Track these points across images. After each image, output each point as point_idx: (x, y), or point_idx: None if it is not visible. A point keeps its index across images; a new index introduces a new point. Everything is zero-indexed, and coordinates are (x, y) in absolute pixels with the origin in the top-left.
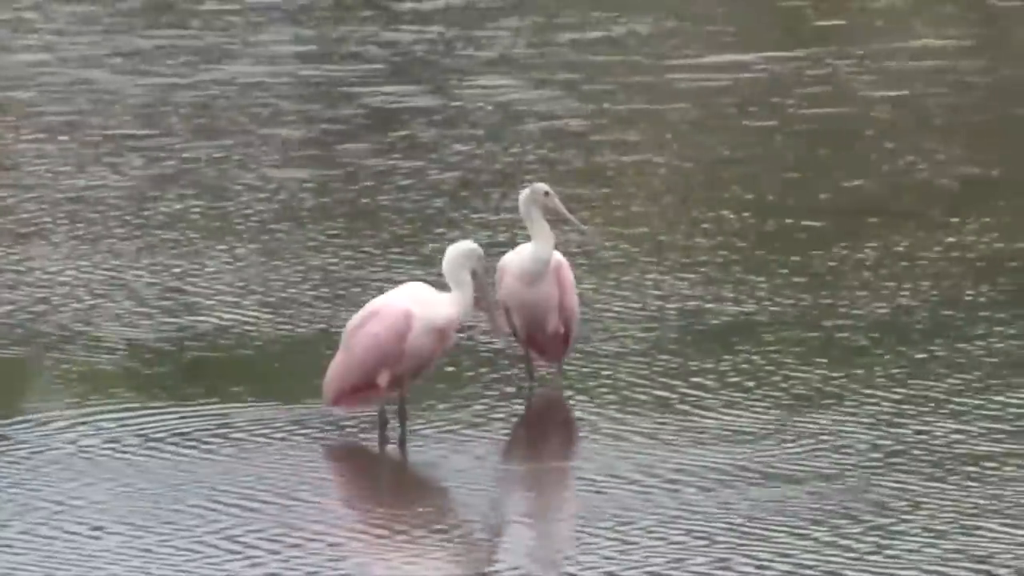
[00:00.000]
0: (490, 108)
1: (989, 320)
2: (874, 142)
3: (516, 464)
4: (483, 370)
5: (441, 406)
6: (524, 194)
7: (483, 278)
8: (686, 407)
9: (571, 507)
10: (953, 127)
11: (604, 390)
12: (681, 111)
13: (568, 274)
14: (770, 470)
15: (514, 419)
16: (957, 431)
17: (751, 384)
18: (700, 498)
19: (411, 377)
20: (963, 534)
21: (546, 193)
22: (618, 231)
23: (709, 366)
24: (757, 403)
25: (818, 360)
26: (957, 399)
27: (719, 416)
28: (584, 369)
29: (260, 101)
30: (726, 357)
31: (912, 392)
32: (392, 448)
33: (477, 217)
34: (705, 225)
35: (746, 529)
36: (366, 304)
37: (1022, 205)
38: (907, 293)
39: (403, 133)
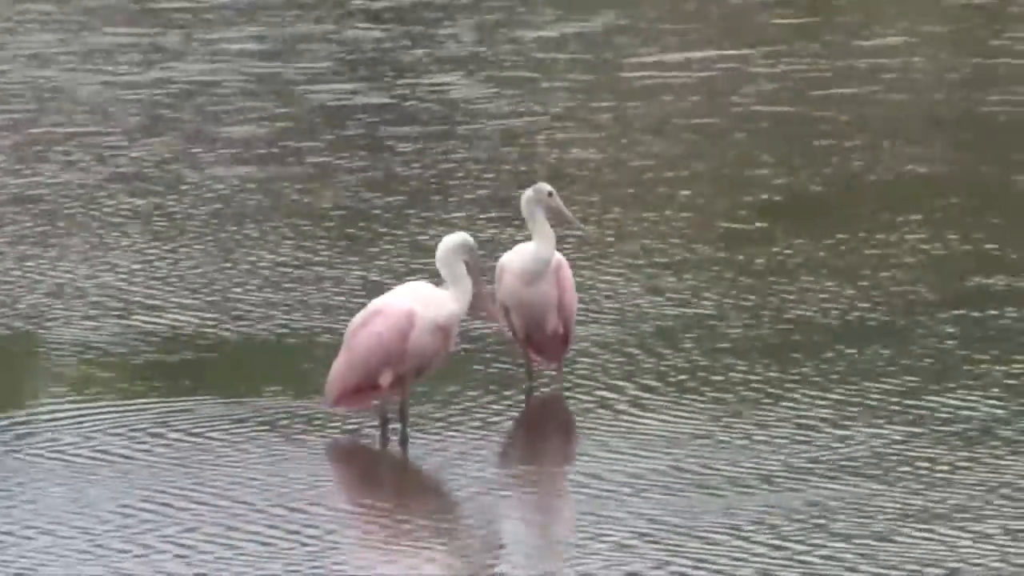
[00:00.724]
0: (441, 106)
1: (933, 320)
2: (826, 140)
3: (514, 466)
4: (483, 369)
5: (441, 405)
6: (527, 194)
7: (476, 268)
8: (629, 408)
9: (568, 509)
10: (905, 125)
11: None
12: (632, 109)
13: (568, 274)
14: (709, 471)
15: (513, 419)
16: (900, 433)
17: (694, 384)
18: (638, 500)
19: (413, 377)
20: (904, 537)
21: (549, 193)
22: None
23: (649, 366)
24: (700, 404)
25: (763, 360)
26: (898, 400)
27: (661, 418)
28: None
29: (212, 99)
30: (669, 356)
31: (850, 394)
32: (393, 447)
33: (428, 215)
34: (656, 224)
35: (685, 530)
36: (368, 304)
37: (970, 205)
38: (853, 293)
39: (355, 132)
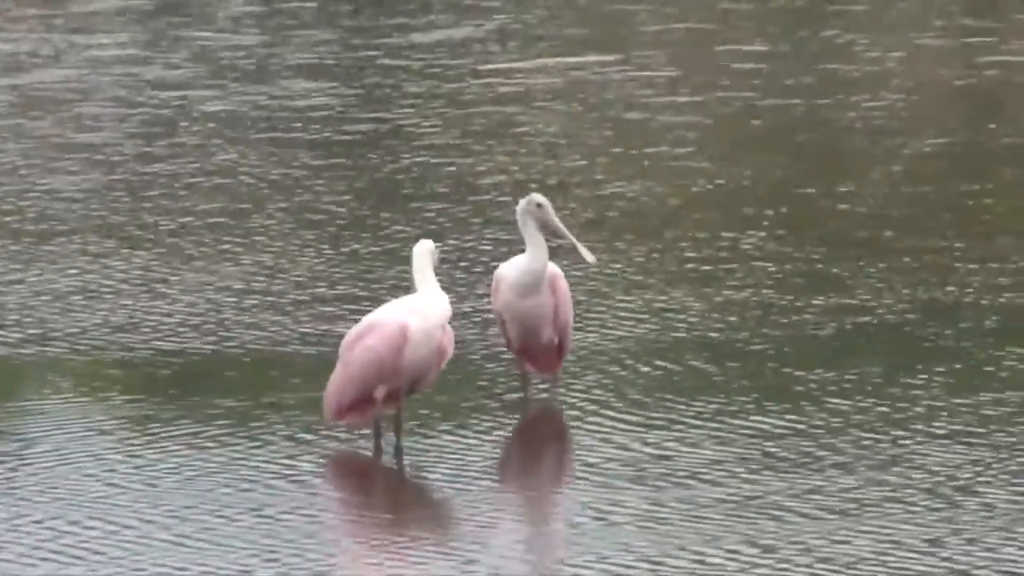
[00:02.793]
0: (285, 113)
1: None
2: (681, 148)
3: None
4: (478, 381)
5: (436, 417)
6: (520, 205)
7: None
8: (625, 418)
9: (563, 521)
10: (755, 133)
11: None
12: (473, 116)
13: (563, 285)
14: (704, 483)
15: (509, 430)
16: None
17: (692, 395)
18: (635, 511)
19: (408, 391)
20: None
21: (538, 205)
22: (396, 245)
23: (645, 377)
24: (697, 415)
25: (762, 372)
26: (920, 412)
27: (657, 429)
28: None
29: (68, 104)
30: (665, 368)
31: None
32: (387, 459)
33: (249, 226)
34: (478, 229)
35: (681, 544)
36: (362, 319)
37: (832, 227)
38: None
39: (182, 139)
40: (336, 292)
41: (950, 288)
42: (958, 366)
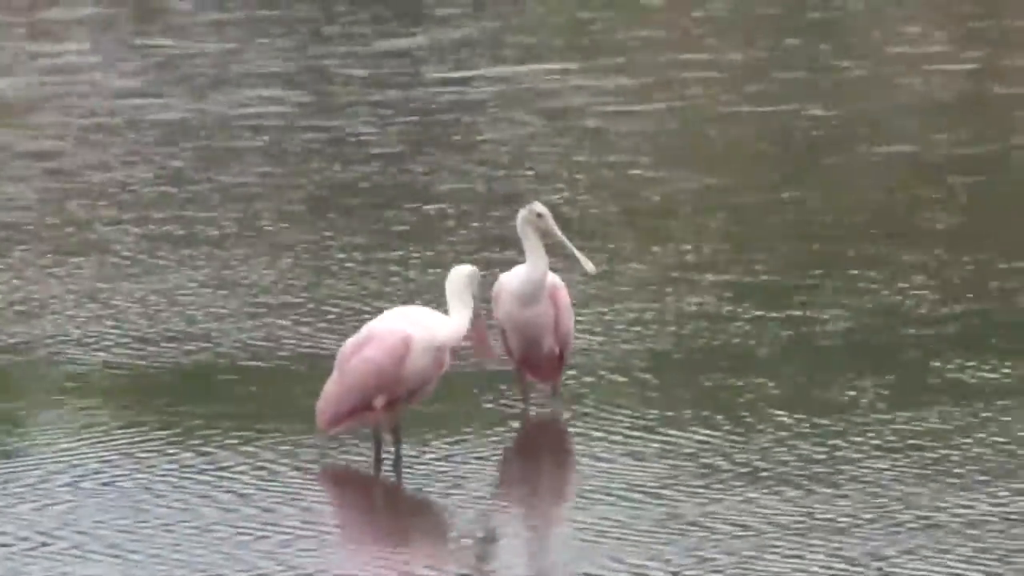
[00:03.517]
0: (240, 121)
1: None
2: (616, 156)
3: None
4: (478, 391)
5: (437, 427)
6: (521, 214)
7: (478, 301)
8: (627, 430)
9: (564, 532)
10: (710, 143)
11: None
12: (429, 126)
13: (564, 295)
14: (710, 493)
15: (509, 441)
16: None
17: (694, 406)
18: (637, 524)
19: (407, 400)
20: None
21: (539, 215)
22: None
23: (647, 387)
24: (700, 426)
25: (767, 383)
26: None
27: (659, 438)
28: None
29: (21, 113)
30: (667, 378)
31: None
32: (387, 470)
33: (200, 235)
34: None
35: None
36: (361, 328)
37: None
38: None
39: (135, 147)
40: (287, 301)
41: (898, 298)
42: (905, 377)
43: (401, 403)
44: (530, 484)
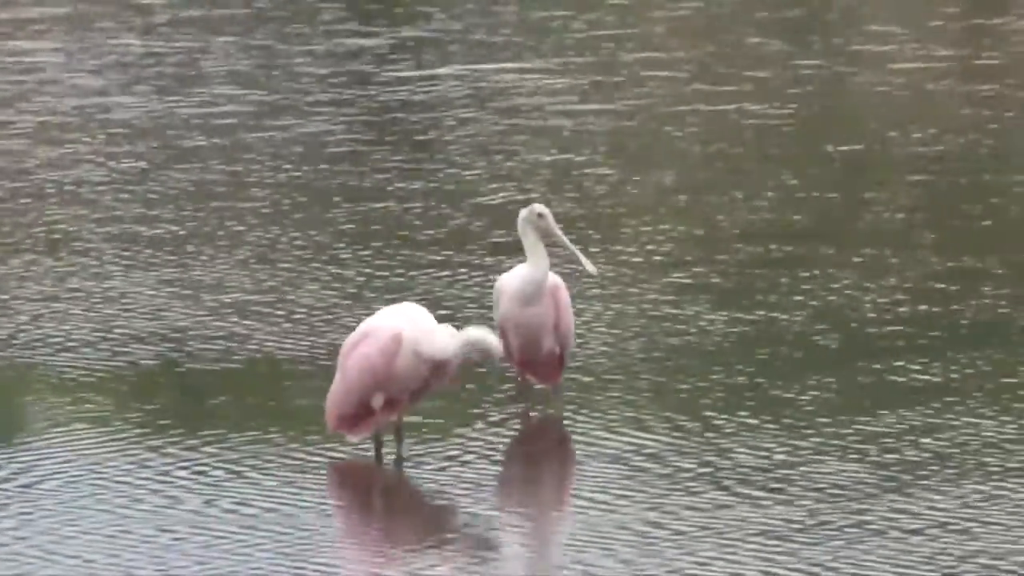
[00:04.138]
0: (199, 120)
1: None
2: (579, 157)
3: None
4: (480, 391)
5: (438, 426)
6: (521, 215)
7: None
8: (628, 429)
9: (565, 533)
10: (665, 141)
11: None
12: (386, 124)
13: (564, 296)
14: (709, 492)
15: (510, 441)
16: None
17: (693, 406)
18: (638, 525)
19: (408, 400)
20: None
21: (540, 215)
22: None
23: (647, 387)
24: (699, 426)
25: (766, 383)
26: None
27: (659, 439)
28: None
29: None
30: (667, 378)
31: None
32: (388, 469)
33: (158, 235)
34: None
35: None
36: (359, 325)
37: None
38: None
39: (94, 146)
40: (250, 299)
41: (842, 301)
42: (850, 380)
43: (401, 403)
44: (529, 485)
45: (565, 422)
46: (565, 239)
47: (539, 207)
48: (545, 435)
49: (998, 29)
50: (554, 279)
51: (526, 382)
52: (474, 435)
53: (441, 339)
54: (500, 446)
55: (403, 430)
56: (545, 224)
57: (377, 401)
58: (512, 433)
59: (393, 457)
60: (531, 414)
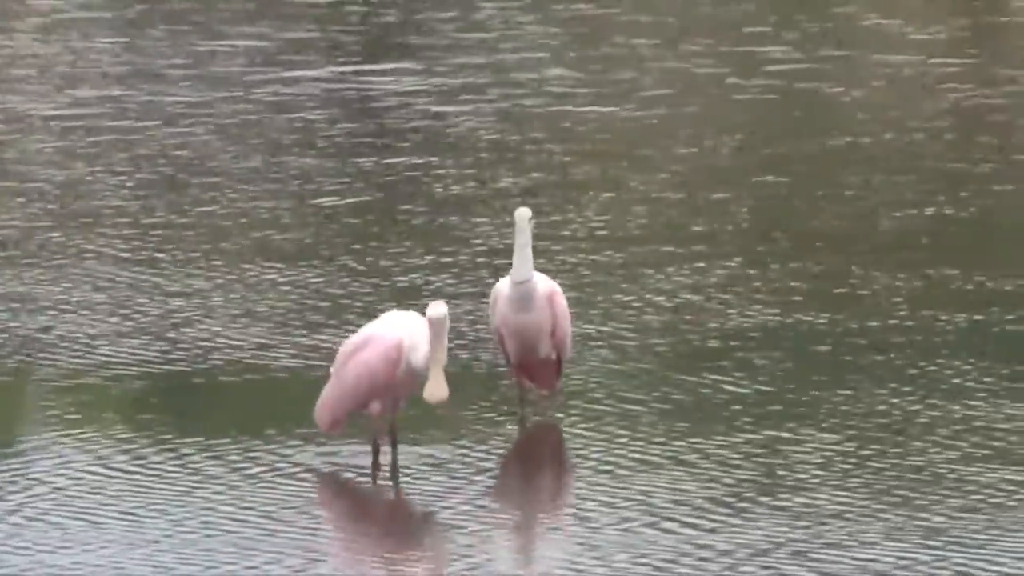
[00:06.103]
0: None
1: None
2: (498, 157)
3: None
4: (476, 396)
5: (434, 432)
6: (521, 213)
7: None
8: (624, 434)
9: (561, 537)
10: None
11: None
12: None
13: (561, 301)
14: (706, 498)
15: (507, 446)
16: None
17: (691, 410)
18: (635, 529)
19: (403, 401)
20: None
21: (530, 219)
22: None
23: (644, 392)
24: (696, 430)
25: (765, 386)
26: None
27: (656, 444)
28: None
29: None
30: (665, 383)
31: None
32: (384, 475)
33: (93, 237)
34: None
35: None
36: (359, 330)
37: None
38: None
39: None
40: (251, 300)
41: (777, 310)
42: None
43: (397, 406)
44: (526, 488)
45: (562, 428)
46: (527, 241)
47: (527, 211)
48: (541, 441)
49: None
50: (551, 284)
51: (523, 388)
52: (471, 443)
53: (425, 350)
54: (495, 453)
55: (397, 435)
56: (525, 227)
57: (375, 407)
58: (507, 440)
59: (388, 463)
60: (528, 419)
